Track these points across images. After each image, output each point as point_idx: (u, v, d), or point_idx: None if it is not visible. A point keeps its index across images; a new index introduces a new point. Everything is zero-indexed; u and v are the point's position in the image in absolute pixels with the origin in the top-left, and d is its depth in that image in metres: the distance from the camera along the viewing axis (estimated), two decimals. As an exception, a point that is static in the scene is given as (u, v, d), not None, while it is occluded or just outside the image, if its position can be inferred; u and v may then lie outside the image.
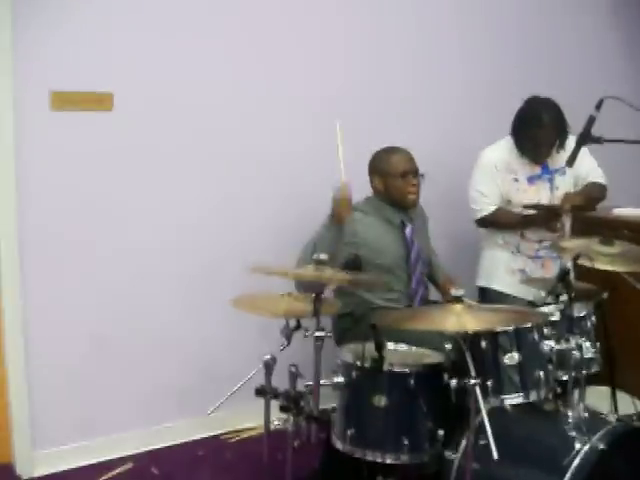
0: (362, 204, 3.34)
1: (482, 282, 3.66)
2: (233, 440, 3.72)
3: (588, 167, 3.57)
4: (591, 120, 2.62)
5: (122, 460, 3.46)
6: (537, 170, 3.51)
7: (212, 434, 3.72)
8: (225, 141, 3.58)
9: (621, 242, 2.85)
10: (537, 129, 3.38)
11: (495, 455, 2.15)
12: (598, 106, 2.58)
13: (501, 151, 3.53)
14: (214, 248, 3.63)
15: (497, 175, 3.48)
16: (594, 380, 2.83)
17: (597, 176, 3.60)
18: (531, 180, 3.50)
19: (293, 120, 3.73)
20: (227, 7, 3.50)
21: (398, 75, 4.01)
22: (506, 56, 4.29)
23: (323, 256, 2.54)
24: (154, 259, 3.51)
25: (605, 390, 2.92)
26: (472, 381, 2.29)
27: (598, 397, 2.93)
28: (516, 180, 3.50)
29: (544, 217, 3.41)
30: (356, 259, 3.16)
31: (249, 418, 3.61)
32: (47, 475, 3.34)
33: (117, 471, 3.39)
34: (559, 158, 3.43)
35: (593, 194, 3.56)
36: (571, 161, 2.79)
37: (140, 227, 3.46)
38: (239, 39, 3.55)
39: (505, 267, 3.57)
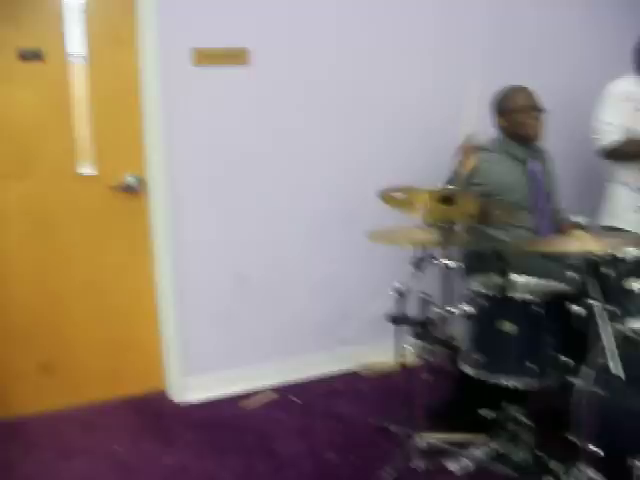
0: (488, 143, 3.46)
1: (606, 221, 3.70)
2: (366, 374, 3.95)
3: None
4: None
5: (263, 389, 3.76)
6: None
7: (345, 368, 3.96)
8: (357, 89, 3.78)
9: None
10: None
11: (622, 375, 2.25)
12: None
13: (626, 83, 3.59)
14: (347, 190, 3.85)
15: (621, 105, 3.53)
16: None
17: None
18: None
19: (425, 68, 3.92)
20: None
21: (526, 20, 4.10)
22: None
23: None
24: (291, 200, 3.76)
25: None
26: (595, 303, 2.40)
27: None
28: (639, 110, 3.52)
29: None
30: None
31: (381, 354, 3.83)
32: (199, 401, 3.67)
33: (259, 399, 3.69)
34: None
35: None
36: None
37: (277, 170, 3.71)
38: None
39: (629, 205, 3.60)
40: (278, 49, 3.57)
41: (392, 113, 3.88)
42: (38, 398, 3.53)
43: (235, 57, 3.48)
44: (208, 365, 3.73)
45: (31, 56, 3.26)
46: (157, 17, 3.32)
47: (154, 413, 3.60)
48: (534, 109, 3.39)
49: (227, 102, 3.52)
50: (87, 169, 3.46)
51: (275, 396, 3.73)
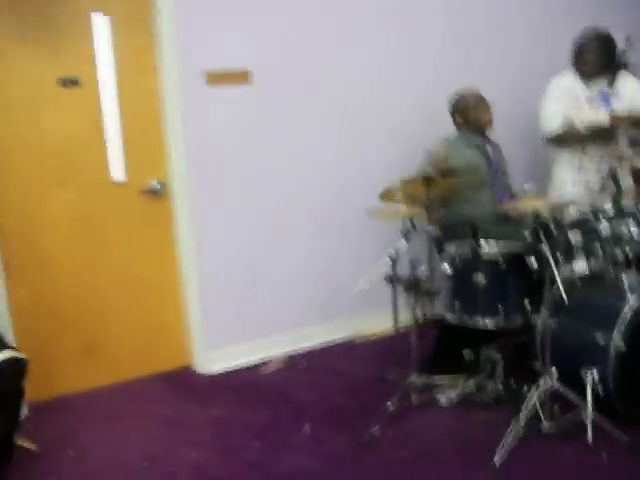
0: (452, 139, 4.18)
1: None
2: (362, 340, 4.62)
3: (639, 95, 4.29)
4: (622, 52, 3.39)
5: (275, 357, 4.41)
6: (595, 93, 4.24)
7: (344, 336, 4.63)
8: (346, 99, 4.49)
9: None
10: (583, 39, 4.18)
11: (566, 301, 2.97)
12: (627, 41, 3.35)
13: (565, 78, 4.33)
14: (342, 182, 4.54)
15: (562, 97, 4.27)
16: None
17: None
18: (590, 101, 4.25)
19: (400, 81, 4.64)
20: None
21: (476, 29, 4.85)
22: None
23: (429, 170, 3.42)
24: (293, 195, 4.42)
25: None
26: (547, 253, 3.11)
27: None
28: (577, 100, 4.27)
29: (602, 134, 4.12)
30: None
31: (370, 324, 4.55)
32: (223, 371, 4.30)
33: (273, 366, 4.35)
34: (615, 88, 4.15)
35: None
36: (610, 82, 3.56)
37: (281, 170, 4.36)
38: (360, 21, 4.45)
39: (572, 181, 4.34)
40: (276, 70, 4.24)
41: (380, 120, 4.60)
42: (81, 378, 4.09)
43: (240, 77, 4.13)
44: (228, 340, 4.35)
45: (69, 83, 3.87)
46: (174, 45, 3.95)
47: (186, 383, 4.22)
48: (483, 104, 4.16)
49: (234, 115, 4.18)
50: (118, 177, 4.08)
51: (286, 362, 4.39)
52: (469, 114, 4.17)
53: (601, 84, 4.20)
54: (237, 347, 4.38)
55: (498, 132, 4.28)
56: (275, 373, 4.28)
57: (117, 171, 4.08)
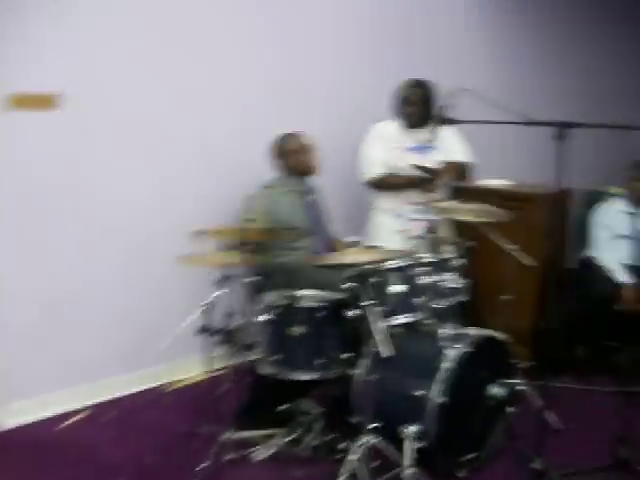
0: (271, 183, 4.05)
1: (370, 242, 4.39)
2: (169, 390, 4.34)
3: (457, 147, 4.40)
4: (443, 106, 3.41)
5: (79, 409, 4.03)
6: (416, 142, 4.30)
7: (153, 385, 4.33)
8: (161, 132, 4.19)
9: (478, 203, 3.65)
10: (406, 89, 4.28)
11: (387, 353, 2.88)
12: (450, 95, 3.35)
13: (387, 125, 4.38)
14: (151, 225, 4.24)
15: (383, 144, 4.32)
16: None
17: (465, 155, 4.43)
18: (410, 150, 4.31)
19: (209, 119, 4.38)
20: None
21: (313, 74, 4.74)
22: (383, 44, 5.09)
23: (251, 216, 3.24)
24: (99, 236, 4.08)
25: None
26: (367, 305, 3.02)
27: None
28: (398, 148, 4.32)
29: (422, 180, 4.17)
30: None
31: (181, 372, 4.32)
32: (18, 425, 3.85)
33: (75, 419, 3.97)
34: (434, 138, 4.20)
35: (460, 169, 4.36)
36: (432, 133, 3.61)
37: (85, 205, 4.01)
38: (174, 43, 4.18)
39: (389, 229, 4.34)
40: (90, 96, 3.90)
41: (200, 153, 4.34)
42: None
43: (46, 102, 3.76)
44: (22, 391, 3.91)
45: None
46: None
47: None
48: (307, 148, 4.08)
49: (38, 143, 3.80)
50: None
51: (90, 414, 4.02)
52: (290, 159, 4.06)
53: (422, 134, 4.22)
54: (33, 399, 3.93)
55: (321, 177, 4.19)
56: (77, 428, 3.90)
57: None
